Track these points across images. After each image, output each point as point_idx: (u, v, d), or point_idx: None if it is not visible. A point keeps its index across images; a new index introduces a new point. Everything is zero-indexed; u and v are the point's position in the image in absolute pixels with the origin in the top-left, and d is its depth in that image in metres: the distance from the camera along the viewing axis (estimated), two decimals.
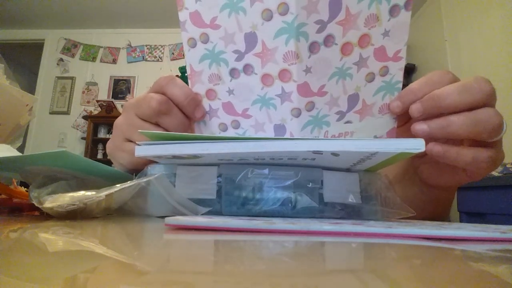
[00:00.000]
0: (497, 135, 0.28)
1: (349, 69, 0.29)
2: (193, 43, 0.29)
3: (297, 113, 0.29)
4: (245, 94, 0.30)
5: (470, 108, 0.27)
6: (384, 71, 0.29)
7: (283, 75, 0.28)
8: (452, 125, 0.27)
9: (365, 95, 0.30)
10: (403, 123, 0.33)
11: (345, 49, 0.27)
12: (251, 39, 0.27)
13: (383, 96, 0.30)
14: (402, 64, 0.29)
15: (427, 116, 0.28)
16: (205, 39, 0.28)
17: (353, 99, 0.30)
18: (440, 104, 0.27)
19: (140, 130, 0.28)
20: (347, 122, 0.31)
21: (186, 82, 0.32)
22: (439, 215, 0.40)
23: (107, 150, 0.38)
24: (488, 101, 0.27)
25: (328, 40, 0.27)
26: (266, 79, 0.28)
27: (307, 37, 0.26)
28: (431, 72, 0.31)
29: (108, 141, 0.37)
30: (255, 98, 0.30)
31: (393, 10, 0.27)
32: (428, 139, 0.27)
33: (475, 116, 0.27)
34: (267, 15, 0.26)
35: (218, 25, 0.28)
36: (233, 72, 0.29)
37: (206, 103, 0.32)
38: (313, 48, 0.26)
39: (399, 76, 0.30)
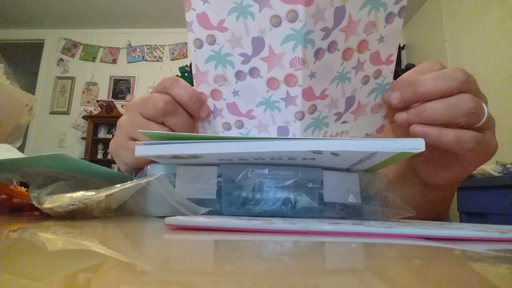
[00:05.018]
0: (477, 119, 0.28)
1: (348, 73, 0.29)
2: (199, 44, 0.29)
3: (300, 116, 0.29)
4: (250, 95, 0.30)
5: (446, 95, 0.28)
6: (377, 74, 0.31)
7: (289, 80, 0.28)
8: (428, 111, 0.28)
9: (360, 97, 0.31)
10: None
11: (346, 54, 0.28)
12: (258, 43, 0.27)
13: (375, 96, 0.32)
14: (392, 67, 0.31)
15: (406, 103, 0.30)
16: (212, 40, 0.29)
17: (350, 101, 0.31)
18: (416, 90, 0.29)
19: (140, 130, 0.28)
20: (344, 122, 0.32)
21: (187, 82, 0.32)
22: (438, 216, 0.40)
23: (110, 149, 0.38)
24: (464, 88, 0.28)
25: (332, 46, 0.27)
26: (271, 82, 0.29)
27: (313, 44, 0.26)
28: (422, 63, 0.32)
29: (111, 140, 0.37)
30: (260, 100, 0.30)
31: (389, 18, 0.28)
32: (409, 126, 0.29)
33: (449, 101, 0.28)
34: (276, 21, 0.26)
35: (226, 28, 0.28)
36: (239, 74, 0.29)
37: (211, 103, 0.32)
38: (318, 54, 0.27)
39: (390, 78, 0.31)
